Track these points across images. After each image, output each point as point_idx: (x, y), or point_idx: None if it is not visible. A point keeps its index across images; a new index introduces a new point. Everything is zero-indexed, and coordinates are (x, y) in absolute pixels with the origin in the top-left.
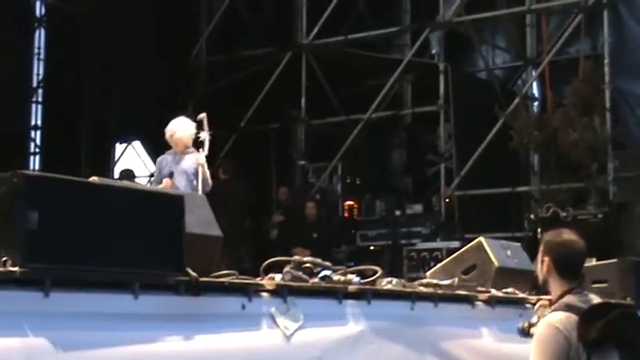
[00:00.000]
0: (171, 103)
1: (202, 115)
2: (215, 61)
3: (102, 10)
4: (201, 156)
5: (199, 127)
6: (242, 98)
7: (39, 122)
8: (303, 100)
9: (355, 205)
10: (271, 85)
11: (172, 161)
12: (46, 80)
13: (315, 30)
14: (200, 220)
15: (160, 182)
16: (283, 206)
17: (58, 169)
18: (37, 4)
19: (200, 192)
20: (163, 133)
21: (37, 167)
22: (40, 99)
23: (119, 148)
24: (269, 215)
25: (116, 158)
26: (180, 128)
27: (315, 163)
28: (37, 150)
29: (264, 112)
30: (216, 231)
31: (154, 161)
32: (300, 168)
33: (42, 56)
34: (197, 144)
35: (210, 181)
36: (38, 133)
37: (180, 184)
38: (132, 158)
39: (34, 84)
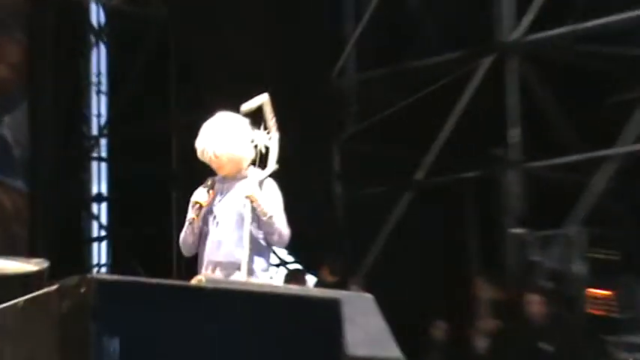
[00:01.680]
0: (305, 144)
1: (262, 98)
2: (369, 79)
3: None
4: (254, 179)
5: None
6: (415, 133)
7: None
8: (512, 132)
9: (609, 296)
10: (461, 109)
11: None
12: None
13: (527, 20)
14: (369, 336)
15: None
16: (493, 305)
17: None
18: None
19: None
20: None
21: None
22: (102, 154)
23: None
24: (463, 323)
25: None
26: (219, 134)
27: (538, 231)
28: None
29: (451, 153)
30: (393, 352)
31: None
32: (514, 239)
33: (103, 87)
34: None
35: (286, 233)
36: (103, 205)
37: (225, 240)
38: None
39: (94, 131)
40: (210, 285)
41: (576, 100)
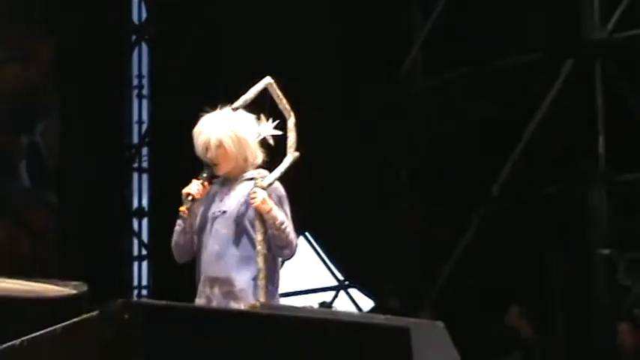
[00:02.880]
0: (366, 157)
1: (265, 81)
2: (438, 86)
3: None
4: (264, 181)
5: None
6: (490, 145)
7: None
8: (600, 140)
9: None
10: (542, 117)
11: (211, 196)
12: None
13: (616, 15)
14: None
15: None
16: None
17: None
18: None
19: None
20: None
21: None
22: (143, 164)
23: None
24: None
25: None
26: (224, 122)
27: (629, 252)
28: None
29: (531, 167)
30: None
31: (335, 262)
32: (603, 261)
33: (145, 91)
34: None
35: (296, 245)
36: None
37: (224, 253)
38: (304, 255)
39: (135, 139)
40: (266, 311)
41: None
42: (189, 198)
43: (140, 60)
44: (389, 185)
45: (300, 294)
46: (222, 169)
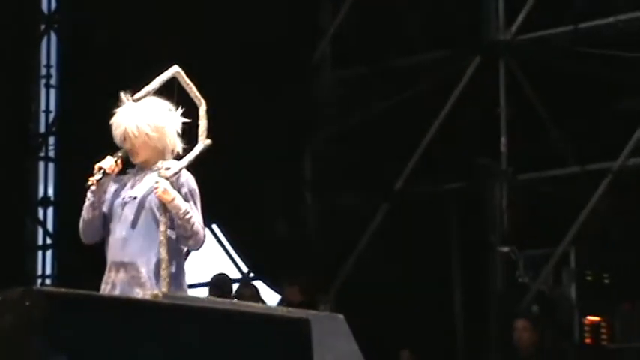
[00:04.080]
0: (273, 148)
1: (172, 70)
2: (346, 78)
3: None
4: (168, 170)
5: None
6: (395, 139)
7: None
8: (502, 140)
9: (603, 323)
10: (446, 114)
11: (125, 184)
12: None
13: (520, 18)
14: (338, 358)
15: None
16: None
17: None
18: None
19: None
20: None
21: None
22: (50, 153)
23: None
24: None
25: None
26: (142, 111)
27: (527, 250)
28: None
29: (434, 163)
30: None
31: (240, 253)
32: (503, 258)
33: (53, 80)
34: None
35: (201, 235)
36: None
37: (131, 239)
38: (211, 248)
39: (42, 129)
40: (167, 300)
41: (573, 109)
42: (101, 171)
43: (49, 49)
44: (295, 178)
45: (204, 286)
46: (139, 158)
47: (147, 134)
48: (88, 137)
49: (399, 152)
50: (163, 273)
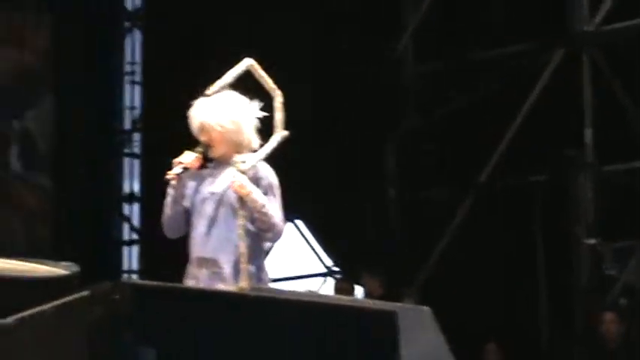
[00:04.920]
0: (355, 141)
1: (246, 62)
2: (429, 73)
3: None
4: (250, 159)
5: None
6: (478, 133)
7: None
8: (587, 132)
9: None
10: (529, 107)
11: (205, 179)
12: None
13: (605, 7)
14: (425, 351)
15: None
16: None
17: None
18: None
19: (246, 258)
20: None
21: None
22: (135, 149)
23: None
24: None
25: None
26: (223, 104)
27: (615, 242)
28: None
29: (518, 155)
30: None
31: (326, 249)
32: (589, 251)
33: (137, 77)
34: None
35: (281, 228)
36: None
37: (212, 234)
38: (294, 242)
39: (127, 125)
40: (254, 293)
41: None
42: (180, 166)
43: (133, 46)
44: (377, 172)
45: (288, 280)
46: (217, 152)
47: (223, 126)
48: (172, 133)
49: (482, 145)
50: (242, 267)
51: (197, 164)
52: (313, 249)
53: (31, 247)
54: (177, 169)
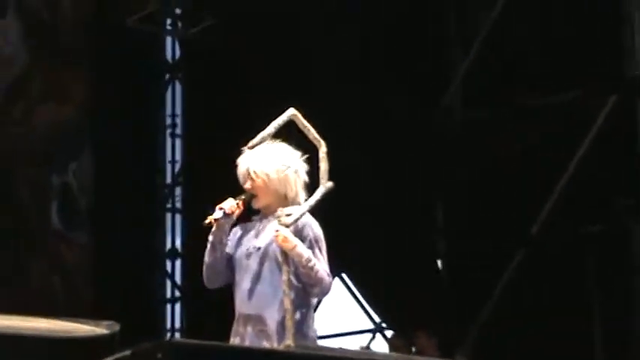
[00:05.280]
0: (404, 193)
1: (289, 112)
2: (478, 120)
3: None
4: (294, 212)
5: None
6: (529, 181)
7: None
8: None
9: None
10: (582, 156)
11: (249, 232)
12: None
13: None
14: None
15: None
16: None
17: None
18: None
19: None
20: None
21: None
22: (177, 204)
23: None
24: None
25: None
26: (263, 153)
27: None
28: None
29: (571, 205)
30: None
31: (373, 304)
32: None
33: (178, 130)
34: None
35: (327, 283)
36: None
37: (256, 290)
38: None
39: (168, 179)
40: (300, 350)
41: None
42: (221, 211)
43: (174, 99)
44: (426, 226)
45: (336, 337)
46: (260, 202)
47: (267, 175)
48: (215, 187)
49: (533, 195)
50: (288, 324)
51: (238, 211)
52: (361, 304)
53: (71, 305)
54: (217, 214)
